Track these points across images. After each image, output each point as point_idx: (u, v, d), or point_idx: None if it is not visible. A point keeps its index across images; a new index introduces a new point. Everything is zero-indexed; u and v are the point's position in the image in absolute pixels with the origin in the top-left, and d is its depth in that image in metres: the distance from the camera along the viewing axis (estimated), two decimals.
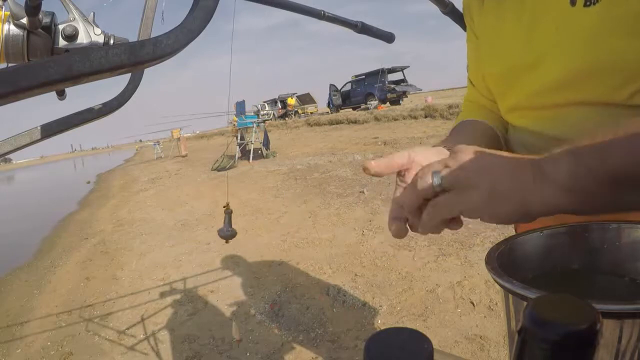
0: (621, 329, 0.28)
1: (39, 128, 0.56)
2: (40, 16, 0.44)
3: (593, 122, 0.46)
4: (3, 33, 0.44)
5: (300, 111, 26.68)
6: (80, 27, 0.47)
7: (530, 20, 0.52)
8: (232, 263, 3.50)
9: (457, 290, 2.43)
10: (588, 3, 0.44)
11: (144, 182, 10.35)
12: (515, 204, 0.35)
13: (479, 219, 0.38)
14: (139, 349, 2.43)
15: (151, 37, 0.34)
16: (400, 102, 21.06)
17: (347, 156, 7.98)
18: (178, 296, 3.04)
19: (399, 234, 0.44)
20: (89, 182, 14.38)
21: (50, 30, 0.46)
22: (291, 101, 26.67)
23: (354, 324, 2.30)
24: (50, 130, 0.56)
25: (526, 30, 0.52)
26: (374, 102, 20.65)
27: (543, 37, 0.50)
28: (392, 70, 22.36)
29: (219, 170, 9.38)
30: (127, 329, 2.69)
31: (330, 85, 24.35)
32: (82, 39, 0.47)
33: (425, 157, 0.44)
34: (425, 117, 11.99)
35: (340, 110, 22.91)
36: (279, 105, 26.71)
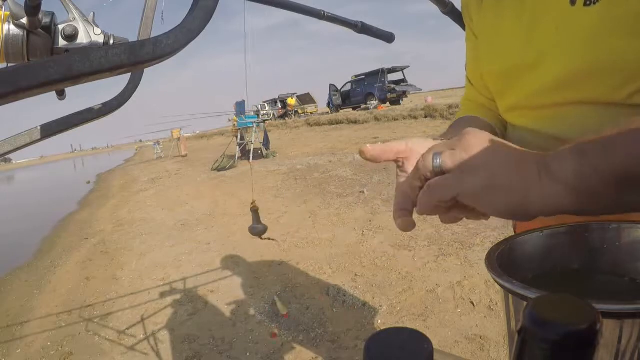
0: (621, 329, 0.28)
1: (39, 128, 0.56)
2: (40, 16, 0.44)
3: (593, 121, 0.46)
4: (3, 33, 0.44)
5: (300, 111, 26.69)
6: (80, 27, 0.47)
7: (529, 19, 0.51)
8: (232, 263, 3.50)
9: (457, 290, 2.43)
10: (588, 2, 0.44)
11: (144, 182, 10.35)
12: (515, 197, 0.35)
13: (475, 207, 0.37)
14: (139, 349, 2.43)
15: (151, 37, 0.34)
16: (400, 102, 21.06)
17: (347, 156, 7.98)
18: (178, 296, 3.04)
19: (406, 226, 0.42)
20: (89, 182, 14.38)
21: (50, 30, 0.46)
22: (291, 101, 26.67)
23: (354, 324, 2.30)
24: (50, 130, 0.56)
25: (526, 29, 0.52)
26: (374, 102, 20.66)
27: (543, 36, 0.50)
28: (392, 70, 22.37)
29: (219, 170, 9.38)
30: (127, 329, 2.69)
31: (330, 85, 24.36)
32: (82, 39, 0.47)
33: (424, 147, 0.44)
34: (425, 117, 12.00)
35: (340, 110, 22.91)
36: (279, 105, 26.71)
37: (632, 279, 0.38)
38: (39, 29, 0.45)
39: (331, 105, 24.17)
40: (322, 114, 23.70)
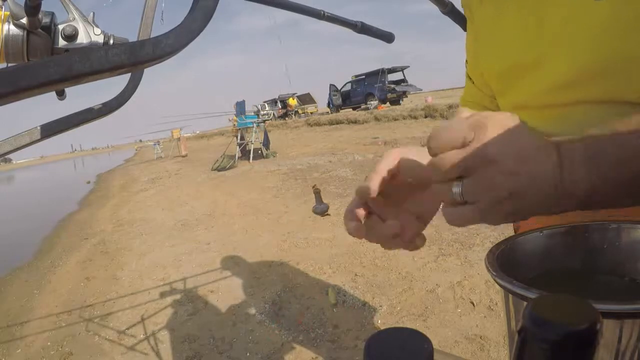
0: (621, 329, 0.28)
1: (39, 128, 0.56)
2: (40, 16, 0.44)
3: (603, 121, 0.44)
4: (3, 33, 0.44)
5: (300, 111, 26.71)
6: (80, 27, 0.47)
7: (534, 14, 0.49)
8: (232, 263, 3.50)
9: (457, 290, 2.43)
10: None
11: (144, 182, 10.35)
12: (527, 217, 0.35)
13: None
14: (139, 349, 2.43)
15: (151, 37, 0.34)
16: (400, 102, 21.08)
17: (347, 156, 7.98)
18: (178, 296, 3.04)
19: (359, 232, 0.42)
20: (89, 182, 14.38)
21: (50, 30, 0.46)
22: (292, 101, 26.69)
23: (354, 324, 2.30)
24: (50, 130, 0.56)
25: (530, 24, 0.49)
26: (374, 102, 20.67)
27: (549, 32, 0.47)
28: (392, 70, 22.39)
29: (219, 170, 9.38)
30: (127, 329, 2.69)
31: (330, 85, 24.38)
32: (82, 39, 0.47)
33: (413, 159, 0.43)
34: (426, 117, 12.00)
35: (340, 110, 22.94)
36: (279, 105, 26.73)
37: (632, 279, 0.38)
38: (39, 29, 0.45)
39: (331, 105, 24.18)
40: (322, 114, 23.71)
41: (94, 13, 0.49)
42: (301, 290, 2.81)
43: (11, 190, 23.14)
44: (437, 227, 3.34)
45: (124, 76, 0.46)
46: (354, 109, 22.13)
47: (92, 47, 0.47)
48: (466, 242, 3.02)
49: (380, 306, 2.43)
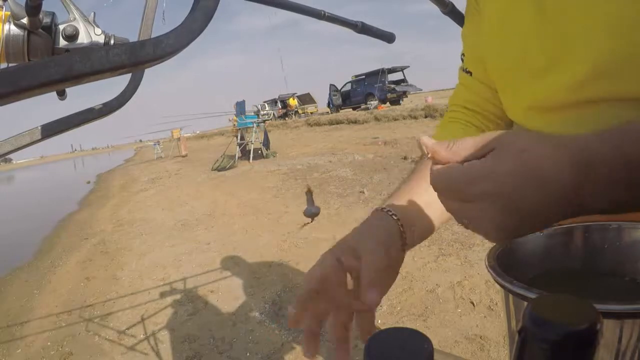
0: (621, 329, 0.28)
1: (39, 128, 0.56)
2: (40, 16, 0.44)
3: (623, 120, 0.41)
4: (3, 33, 0.44)
5: (300, 111, 26.71)
6: (81, 27, 0.47)
7: (548, 3, 0.45)
8: (232, 263, 3.50)
9: (457, 290, 2.43)
10: None
11: (144, 182, 10.35)
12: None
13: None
14: (139, 349, 2.43)
15: (152, 37, 0.34)
16: (400, 102, 21.09)
17: (347, 156, 7.98)
18: (178, 296, 3.04)
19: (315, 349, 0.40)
20: (89, 182, 14.38)
21: (50, 30, 0.46)
22: (292, 102, 26.70)
23: (354, 324, 2.30)
24: (50, 130, 0.56)
25: (544, 16, 0.45)
26: (374, 102, 20.68)
27: (566, 23, 0.43)
28: (392, 70, 22.40)
29: (219, 170, 9.38)
30: (127, 329, 2.69)
31: (330, 85, 24.40)
32: (83, 39, 0.47)
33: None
34: (426, 117, 12.00)
35: (340, 110, 22.95)
36: (279, 105, 26.73)
37: (632, 279, 0.38)
38: (40, 29, 0.45)
39: (331, 105, 24.20)
40: (322, 114, 23.71)
41: (94, 13, 0.49)
42: (301, 290, 2.81)
43: (11, 190, 23.15)
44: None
45: (124, 76, 0.46)
46: (354, 109, 22.14)
47: (92, 47, 0.47)
48: (466, 242, 3.02)
49: (380, 306, 2.43)
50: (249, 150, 10.24)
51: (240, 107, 10.72)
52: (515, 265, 0.39)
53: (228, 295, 2.92)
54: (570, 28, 0.43)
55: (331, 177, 6.28)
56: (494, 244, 0.40)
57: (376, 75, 21.78)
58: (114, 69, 0.28)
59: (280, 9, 0.94)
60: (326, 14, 1.01)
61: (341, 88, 24.39)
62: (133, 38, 0.50)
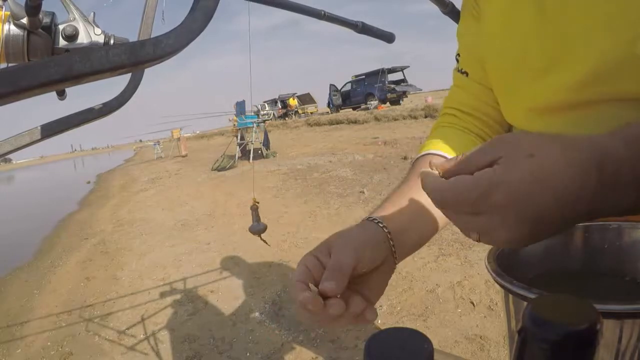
0: (621, 329, 0.28)
1: (39, 128, 0.56)
2: (40, 16, 0.44)
3: (628, 120, 0.39)
4: (3, 33, 0.44)
5: (300, 111, 26.72)
6: (81, 27, 0.47)
7: (548, 3, 0.44)
8: (232, 263, 3.50)
9: (457, 290, 2.43)
10: None
11: (144, 182, 10.35)
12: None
13: None
14: (139, 349, 2.43)
15: (151, 37, 0.34)
16: (400, 102, 21.09)
17: (347, 156, 7.98)
18: (178, 296, 3.04)
19: (316, 305, 0.38)
20: (89, 182, 14.38)
21: (50, 30, 0.46)
22: (293, 102, 26.71)
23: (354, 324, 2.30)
24: (50, 130, 0.56)
25: (544, 16, 0.45)
26: (374, 102, 20.69)
27: (566, 23, 0.43)
28: (392, 70, 22.41)
29: (219, 170, 9.38)
30: (127, 329, 2.69)
31: (330, 85, 24.41)
32: (83, 39, 0.47)
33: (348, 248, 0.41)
34: (425, 117, 12.00)
35: (340, 110, 22.95)
36: (279, 105, 26.74)
37: (632, 279, 0.38)
38: (40, 29, 0.45)
39: (331, 105, 24.20)
40: (322, 114, 23.71)
41: (94, 13, 0.49)
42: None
43: (11, 190, 23.14)
44: None
45: (124, 76, 0.46)
46: (354, 109, 22.14)
47: (92, 47, 0.47)
48: (466, 242, 3.02)
49: (380, 306, 2.43)
50: (249, 150, 10.24)
51: (240, 107, 10.72)
52: (515, 265, 0.39)
53: (228, 295, 2.92)
54: (571, 28, 0.43)
55: (331, 177, 6.28)
56: None
57: (376, 75, 21.79)
58: (113, 69, 0.28)
59: (280, 9, 0.94)
60: (326, 14, 1.01)
61: (341, 88, 24.40)
62: (133, 38, 0.50)
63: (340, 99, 24.11)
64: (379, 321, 2.30)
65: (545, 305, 0.22)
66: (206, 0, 0.30)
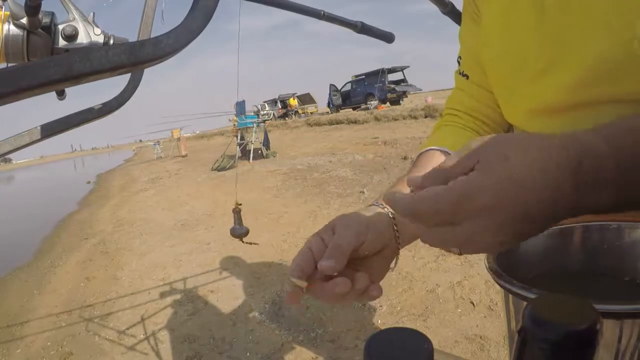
0: (621, 329, 0.28)
1: (39, 128, 0.56)
2: (40, 16, 0.44)
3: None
4: (3, 33, 0.44)
5: (300, 111, 26.72)
6: (80, 27, 0.47)
7: (548, 4, 0.44)
8: (232, 263, 3.50)
9: (457, 290, 2.43)
10: None
11: (144, 182, 10.35)
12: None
13: None
14: (139, 349, 2.43)
15: (151, 37, 0.34)
16: (400, 102, 21.09)
17: (347, 156, 7.98)
18: (178, 296, 3.04)
19: (296, 298, 0.40)
20: (89, 182, 14.38)
21: (50, 30, 0.46)
22: (293, 102, 26.71)
23: (354, 324, 2.30)
24: (50, 130, 0.56)
25: (544, 17, 0.45)
26: (374, 102, 20.69)
27: (565, 24, 0.43)
28: (392, 70, 22.41)
29: (219, 170, 9.38)
30: (127, 329, 2.69)
31: (330, 85, 24.41)
32: (82, 39, 0.47)
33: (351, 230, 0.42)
34: (426, 117, 12.00)
35: (340, 110, 22.94)
36: (279, 105, 26.74)
37: (632, 279, 0.38)
38: (39, 29, 0.45)
39: (331, 105, 24.20)
40: (322, 114, 23.70)
41: (94, 13, 0.49)
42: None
43: (11, 190, 23.14)
44: None
45: (124, 76, 0.46)
46: (354, 109, 22.13)
47: (92, 47, 0.47)
48: None
49: (380, 306, 2.43)
50: (249, 150, 10.24)
51: (240, 107, 10.72)
52: (515, 265, 0.39)
53: (228, 295, 2.92)
54: (569, 29, 0.43)
55: (331, 177, 6.28)
56: None
57: (376, 75, 21.78)
58: (113, 69, 0.28)
59: (280, 9, 0.94)
60: (326, 14, 1.01)
61: (341, 88, 24.40)
62: (133, 38, 0.50)
63: (340, 99, 24.11)
64: (379, 321, 2.30)
65: (545, 305, 0.22)
66: (206, 0, 0.30)
